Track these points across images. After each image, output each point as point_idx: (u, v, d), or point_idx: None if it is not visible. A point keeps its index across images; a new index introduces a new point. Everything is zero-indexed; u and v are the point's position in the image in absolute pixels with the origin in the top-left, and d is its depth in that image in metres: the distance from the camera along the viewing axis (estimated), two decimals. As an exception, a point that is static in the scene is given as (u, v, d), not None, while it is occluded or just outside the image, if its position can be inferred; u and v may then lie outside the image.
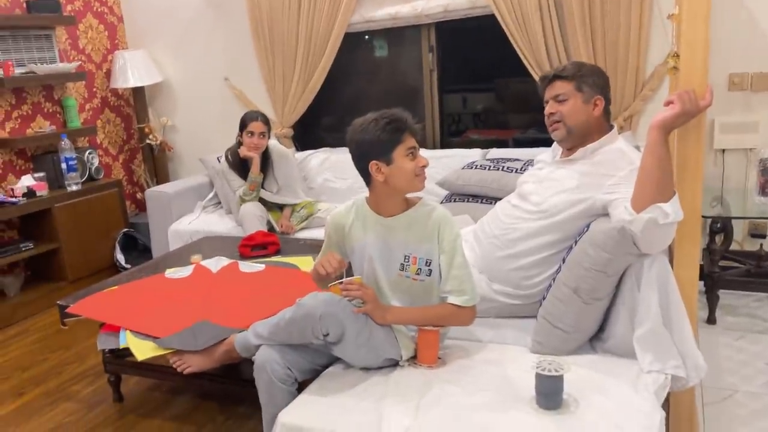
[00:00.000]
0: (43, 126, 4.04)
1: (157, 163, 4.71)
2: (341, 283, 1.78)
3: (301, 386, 1.85)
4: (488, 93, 4.09)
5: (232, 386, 2.49)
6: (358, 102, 4.22)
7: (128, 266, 4.03)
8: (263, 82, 4.21)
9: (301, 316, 1.76)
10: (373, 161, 1.75)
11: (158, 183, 4.55)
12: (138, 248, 4.26)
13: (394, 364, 1.86)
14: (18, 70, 3.78)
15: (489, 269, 2.10)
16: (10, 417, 2.58)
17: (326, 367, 1.91)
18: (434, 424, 1.57)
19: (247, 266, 2.66)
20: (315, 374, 1.89)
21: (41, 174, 3.82)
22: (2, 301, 3.62)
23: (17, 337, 3.37)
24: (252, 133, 3.47)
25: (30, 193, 3.68)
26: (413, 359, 1.86)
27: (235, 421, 2.44)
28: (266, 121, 3.53)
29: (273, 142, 3.67)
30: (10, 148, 3.84)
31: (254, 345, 1.87)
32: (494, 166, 3.09)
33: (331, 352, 1.85)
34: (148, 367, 2.48)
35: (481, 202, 3.04)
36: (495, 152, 3.52)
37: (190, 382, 2.52)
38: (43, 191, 3.75)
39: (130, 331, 2.12)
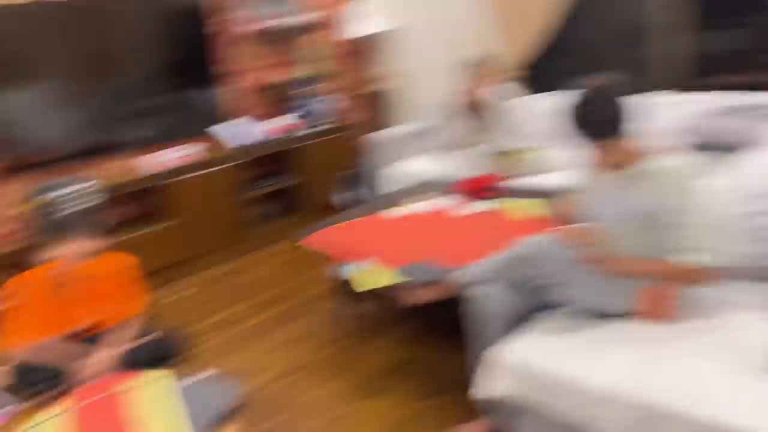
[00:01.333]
0: (297, 72, 4.51)
1: (383, 109, 5.00)
2: (572, 229, 1.77)
3: (517, 326, 1.89)
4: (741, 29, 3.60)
5: (446, 320, 2.65)
6: (591, 43, 3.99)
7: (353, 204, 4.40)
8: (493, 24, 4.18)
9: (524, 255, 1.80)
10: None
11: (383, 128, 4.84)
12: (361, 189, 4.62)
13: (616, 315, 1.82)
14: (269, 23, 4.24)
15: (737, 227, 1.91)
16: (254, 328, 3.03)
17: (543, 309, 1.93)
18: (659, 380, 1.52)
19: (469, 207, 2.75)
20: (531, 315, 1.92)
21: (291, 115, 4.33)
22: (254, 227, 4.20)
23: (266, 259, 3.92)
24: (479, 76, 3.51)
25: (287, 131, 4.19)
26: (638, 314, 1.80)
27: (447, 353, 2.59)
28: (494, 64, 3.54)
29: (501, 86, 3.67)
30: (274, 91, 4.39)
31: (473, 281, 1.96)
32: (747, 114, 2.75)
33: (551, 296, 1.87)
34: (370, 296, 2.74)
35: (730, 153, 2.74)
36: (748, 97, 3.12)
37: (407, 313, 2.74)
38: (297, 131, 4.25)
39: (357, 263, 2.35)
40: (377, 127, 4.92)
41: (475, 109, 3.53)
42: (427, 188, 3.20)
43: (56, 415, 2.20)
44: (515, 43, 4.07)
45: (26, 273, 2.54)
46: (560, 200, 1.89)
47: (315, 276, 3.52)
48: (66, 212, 3.12)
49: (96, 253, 2.53)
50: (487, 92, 3.53)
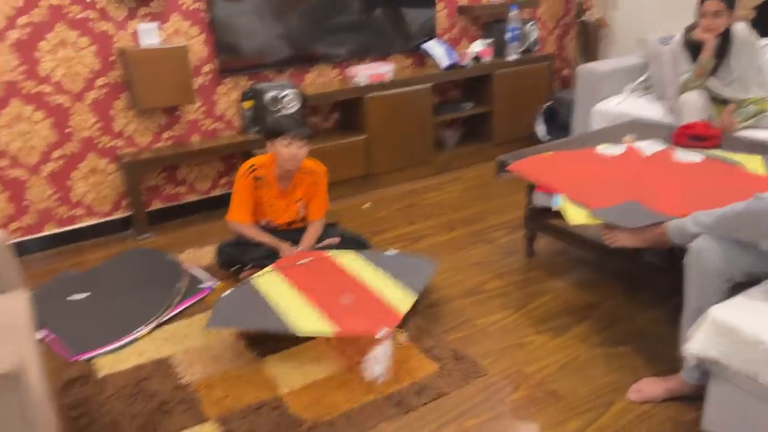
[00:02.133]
0: (496, -5, 4.35)
1: (589, 41, 4.65)
2: None
3: (735, 288, 1.73)
4: None
5: (641, 271, 2.50)
6: None
7: (547, 138, 4.23)
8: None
9: (756, 210, 1.61)
10: None
11: (586, 61, 4.53)
12: (557, 123, 4.40)
13: None
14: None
15: None
16: (443, 245, 3.09)
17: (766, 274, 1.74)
18: None
19: (683, 155, 2.52)
20: (754, 278, 1.74)
21: (489, 41, 4.17)
22: (442, 150, 4.23)
23: (451, 183, 3.94)
24: (707, 14, 3.11)
25: (477, 58, 4.08)
26: None
27: (637, 306, 2.46)
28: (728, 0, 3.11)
29: (740, 26, 3.22)
30: (467, 15, 4.27)
31: (691, 233, 1.81)
32: None
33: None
34: (562, 232, 2.66)
35: None
36: None
37: (601, 256, 2.62)
38: (487, 57, 4.12)
39: (564, 196, 2.25)
40: (584, 59, 4.63)
41: (706, 48, 3.14)
42: (639, 129, 2.97)
43: (273, 272, 2.52)
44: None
45: (247, 163, 2.81)
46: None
47: (502, 205, 3.48)
48: (279, 113, 3.37)
49: (302, 156, 2.72)
50: (718, 30, 3.12)
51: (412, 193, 3.81)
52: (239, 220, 2.77)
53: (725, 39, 3.17)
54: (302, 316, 2.21)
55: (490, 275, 2.77)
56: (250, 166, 2.76)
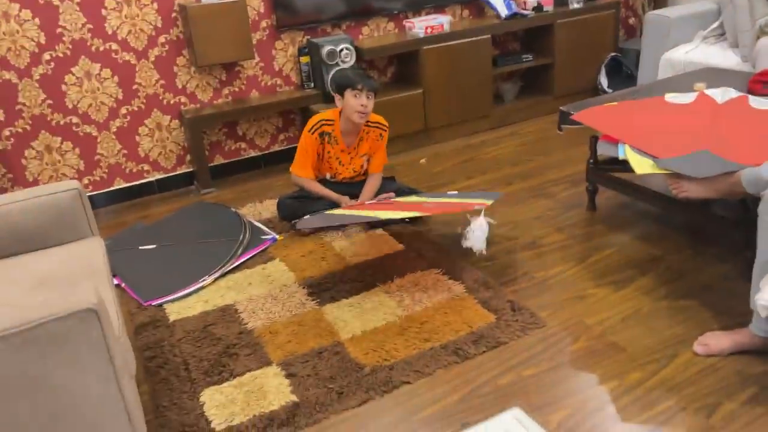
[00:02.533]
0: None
1: (659, -14, 4.42)
2: None
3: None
4: None
5: (710, 224, 2.42)
6: None
7: (610, 91, 4.08)
8: None
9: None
10: None
11: (655, 8, 4.31)
12: (622, 75, 4.23)
13: None
14: None
15: None
16: (501, 199, 3.05)
17: None
18: None
19: (760, 102, 2.38)
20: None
21: (552, -11, 4.02)
22: (500, 104, 4.15)
23: (509, 137, 3.87)
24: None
25: (539, 7, 3.94)
26: None
27: (705, 260, 2.38)
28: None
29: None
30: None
31: (767, 180, 1.72)
32: None
33: None
34: (626, 185, 2.58)
35: None
36: None
37: (666, 208, 2.54)
38: (549, 6, 3.97)
39: (630, 145, 2.18)
40: (652, 6, 4.40)
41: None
42: (712, 77, 2.83)
43: (341, 210, 2.68)
44: None
45: (314, 119, 2.83)
46: None
47: (561, 160, 3.40)
48: (340, 67, 3.37)
49: (371, 108, 2.72)
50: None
51: (469, 147, 3.76)
52: (303, 174, 2.82)
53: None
54: (389, 213, 2.42)
55: (550, 229, 2.72)
56: (318, 122, 2.78)
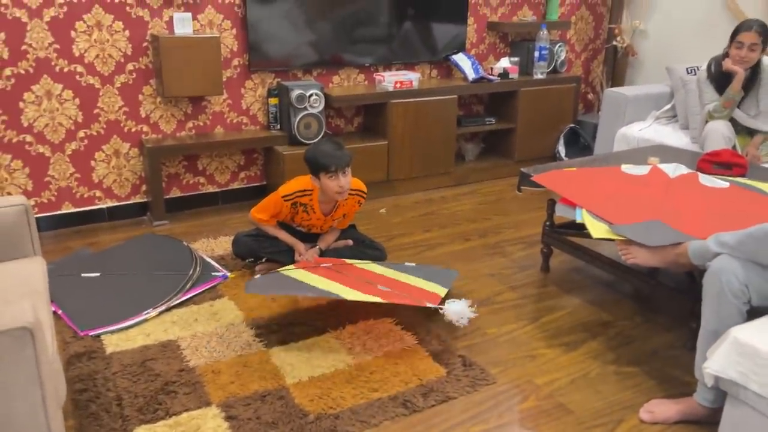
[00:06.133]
0: (526, 15, 4.36)
1: (617, 67, 4.66)
2: None
3: (752, 314, 1.71)
4: None
5: (657, 293, 2.47)
6: None
7: (567, 159, 4.21)
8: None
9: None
10: None
11: (613, 86, 4.53)
12: (579, 145, 4.39)
13: None
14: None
15: None
16: (458, 254, 3.08)
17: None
18: None
19: (709, 180, 2.50)
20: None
21: (516, 59, 4.18)
22: (461, 163, 4.23)
23: (469, 195, 3.93)
24: (742, 45, 3.10)
25: (504, 74, 4.09)
26: None
27: (652, 327, 2.43)
28: (763, 33, 3.10)
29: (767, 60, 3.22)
30: (496, 31, 4.29)
31: (713, 252, 1.78)
32: None
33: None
34: (579, 249, 2.64)
35: None
36: None
37: (617, 275, 2.59)
38: (514, 74, 4.12)
39: (587, 210, 2.23)
40: (610, 85, 4.63)
41: (732, 79, 3.14)
42: (664, 153, 2.95)
43: (294, 269, 2.55)
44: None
45: (291, 187, 2.68)
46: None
47: (518, 221, 3.46)
48: (304, 113, 3.34)
49: (349, 184, 2.61)
50: (750, 62, 3.12)
51: (429, 201, 3.80)
52: (263, 221, 2.72)
53: (754, 72, 3.16)
54: (345, 291, 2.27)
55: (504, 287, 2.74)
56: (294, 193, 2.65)
